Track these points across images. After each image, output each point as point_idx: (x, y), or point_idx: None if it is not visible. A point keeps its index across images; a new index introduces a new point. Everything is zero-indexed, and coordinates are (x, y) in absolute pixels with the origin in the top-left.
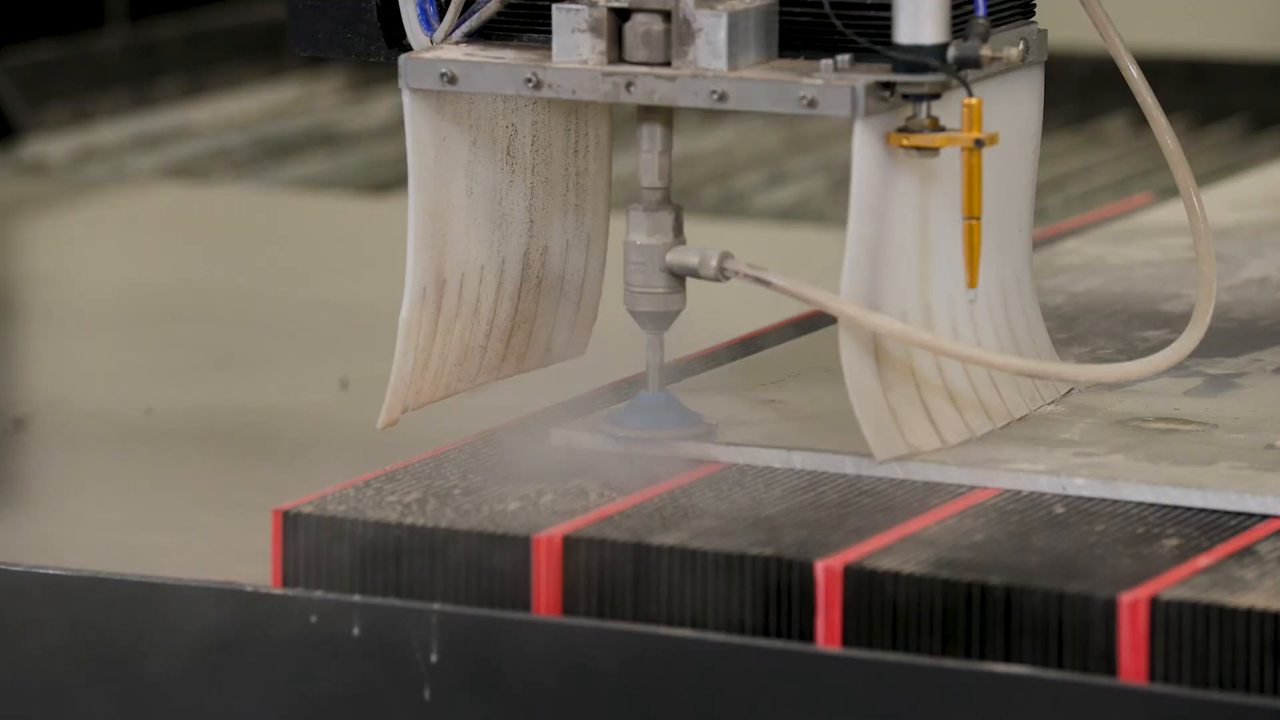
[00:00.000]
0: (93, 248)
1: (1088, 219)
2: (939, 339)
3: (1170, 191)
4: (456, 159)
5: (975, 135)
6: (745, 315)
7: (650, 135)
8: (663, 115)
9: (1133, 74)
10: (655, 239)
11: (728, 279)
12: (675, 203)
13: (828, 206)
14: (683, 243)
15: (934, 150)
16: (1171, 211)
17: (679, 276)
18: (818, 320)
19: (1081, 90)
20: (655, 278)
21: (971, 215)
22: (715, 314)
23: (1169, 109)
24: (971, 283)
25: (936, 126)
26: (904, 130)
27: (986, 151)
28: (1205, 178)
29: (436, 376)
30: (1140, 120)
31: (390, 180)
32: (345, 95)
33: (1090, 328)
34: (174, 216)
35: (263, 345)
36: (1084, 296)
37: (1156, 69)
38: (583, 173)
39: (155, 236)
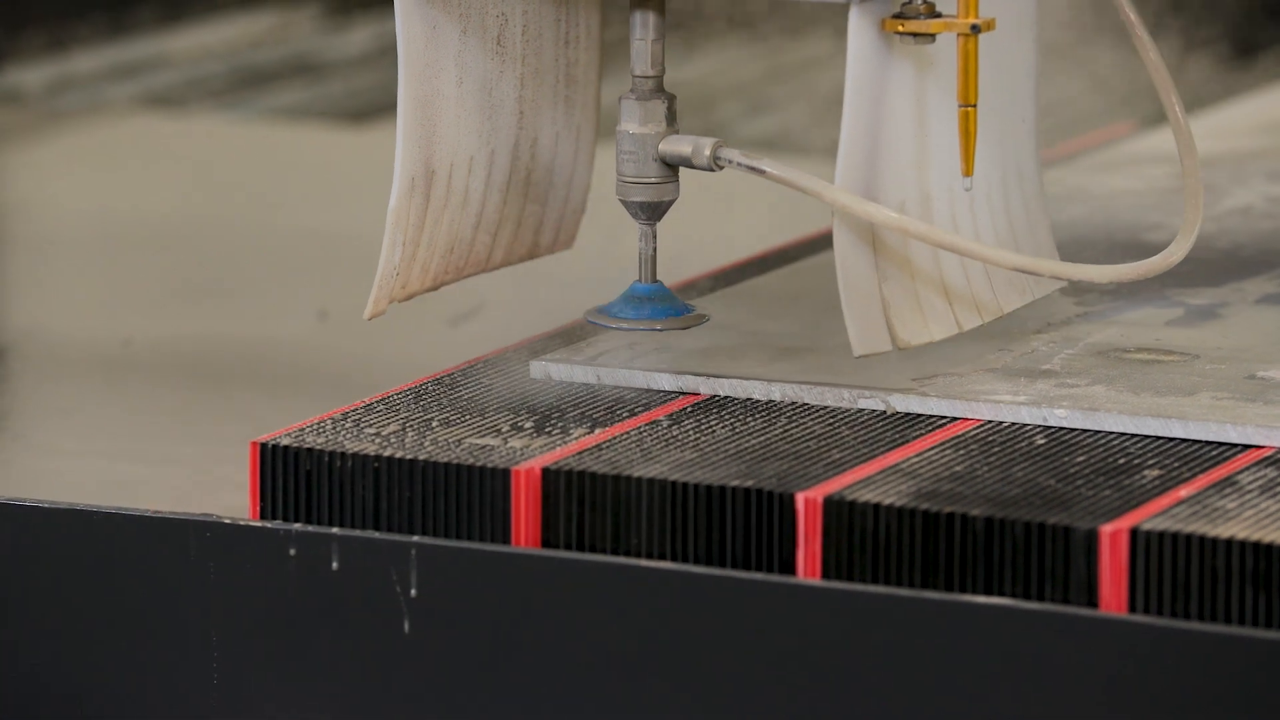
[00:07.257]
0: (69, 177)
1: (1070, 148)
2: (934, 230)
3: (1152, 120)
4: (446, 48)
5: (972, 20)
6: (725, 247)
7: (643, 22)
8: (655, 1)
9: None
10: (648, 128)
11: (721, 168)
12: (668, 91)
13: (809, 136)
14: (676, 132)
15: (930, 37)
16: (1154, 141)
17: (672, 166)
18: (797, 253)
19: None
20: (648, 168)
21: (967, 102)
22: (691, 248)
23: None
24: (967, 170)
25: (933, 12)
26: (899, 16)
27: (984, 39)
28: (1188, 106)
29: (424, 268)
30: (1122, 44)
31: (369, 109)
32: (323, 23)
33: (1073, 257)
34: (151, 146)
35: (241, 275)
36: (1067, 226)
37: None
38: (573, 64)
39: (132, 166)
